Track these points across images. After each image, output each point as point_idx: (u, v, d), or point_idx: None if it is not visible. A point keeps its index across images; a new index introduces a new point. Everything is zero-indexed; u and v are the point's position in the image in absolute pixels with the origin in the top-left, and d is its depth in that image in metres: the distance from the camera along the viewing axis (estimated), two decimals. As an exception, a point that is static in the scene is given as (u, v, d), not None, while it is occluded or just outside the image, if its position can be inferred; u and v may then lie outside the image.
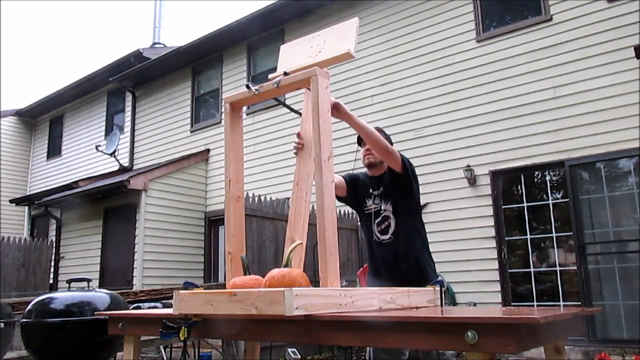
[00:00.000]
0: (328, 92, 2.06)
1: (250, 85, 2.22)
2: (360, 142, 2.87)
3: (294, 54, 2.41)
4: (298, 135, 2.42)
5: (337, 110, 2.38)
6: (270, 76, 2.43)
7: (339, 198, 2.74)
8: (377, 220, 2.80)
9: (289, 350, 5.74)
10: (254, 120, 9.03)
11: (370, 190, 2.85)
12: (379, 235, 2.79)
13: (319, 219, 1.91)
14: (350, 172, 3.02)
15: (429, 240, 2.87)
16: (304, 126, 2.43)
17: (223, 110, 2.38)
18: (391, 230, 2.76)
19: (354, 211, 3.42)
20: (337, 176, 2.79)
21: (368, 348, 2.98)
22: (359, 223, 3.07)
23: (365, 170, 2.96)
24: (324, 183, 1.95)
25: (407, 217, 2.77)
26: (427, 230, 2.90)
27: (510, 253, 6.47)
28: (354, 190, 2.87)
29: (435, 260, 2.86)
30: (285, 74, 2.17)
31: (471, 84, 6.94)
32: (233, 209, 2.26)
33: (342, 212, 6.90)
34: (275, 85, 2.14)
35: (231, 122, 2.32)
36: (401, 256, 2.71)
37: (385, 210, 2.78)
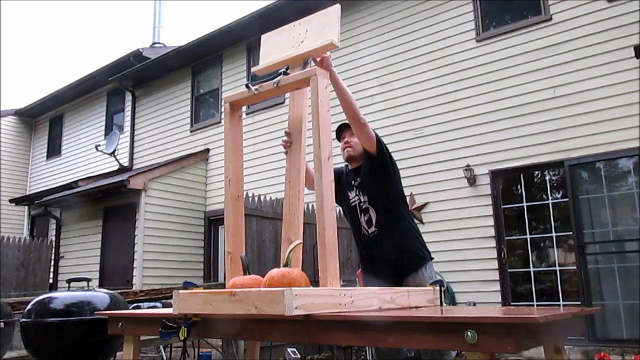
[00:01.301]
0: (328, 92, 2.06)
1: (249, 85, 2.21)
2: (339, 136, 2.83)
3: (276, 44, 2.36)
4: (286, 133, 2.38)
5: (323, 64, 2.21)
6: (253, 69, 2.40)
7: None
8: (361, 214, 2.74)
9: (289, 350, 5.74)
10: (253, 120, 9.03)
11: (352, 182, 2.80)
12: (366, 227, 2.73)
13: (319, 219, 1.91)
14: (335, 166, 2.99)
15: (426, 240, 2.83)
16: (290, 121, 2.41)
17: (223, 110, 2.38)
18: (374, 221, 2.69)
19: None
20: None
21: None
22: (345, 218, 2.97)
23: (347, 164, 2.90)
24: (324, 183, 1.95)
25: (387, 204, 2.69)
26: (427, 230, 2.87)
27: (510, 253, 6.47)
28: (339, 184, 2.75)
29: (434, 260, 2.83)
30: (285, 73, 2.17)
31: (471, 84, 6.94)
32: (233, 209, 2.26)
33: (341, 212, 6.89)
34: (275, 85, 2.14)
35: (231, 122, 2.31)
36: (389, 248, 2.65)
37: (365, 202, 2.72)
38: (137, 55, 11.19)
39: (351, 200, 2.80)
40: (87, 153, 12.19)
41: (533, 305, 6.13)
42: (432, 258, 2.77)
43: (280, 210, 6.81)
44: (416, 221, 3.09)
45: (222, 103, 2.59)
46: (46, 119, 14.04)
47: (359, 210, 2.76)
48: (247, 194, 5.80)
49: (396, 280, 2.64)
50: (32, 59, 46.49)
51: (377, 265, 2.74)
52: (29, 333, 2.64)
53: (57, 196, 9.98)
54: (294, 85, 2.15)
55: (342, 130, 2.81)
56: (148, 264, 8.51)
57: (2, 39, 39.09)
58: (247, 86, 2.21)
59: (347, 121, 2.66)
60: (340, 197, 2.80)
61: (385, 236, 2.68)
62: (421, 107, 7.31)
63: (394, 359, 2.70)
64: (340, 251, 1.97)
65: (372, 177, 2.70)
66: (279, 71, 2.19)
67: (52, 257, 9.60)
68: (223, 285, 3.00)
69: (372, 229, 2.71)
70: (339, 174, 2.83)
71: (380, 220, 2.69)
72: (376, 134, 2.65)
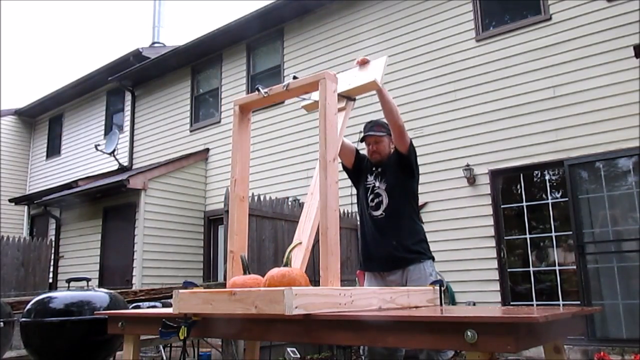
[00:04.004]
0: (335, 95, 2.11)
1: (260, 88, 2.27)
2: (364, 139, 3.00)
3: None
4: None
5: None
6: (302, 104, 2.68)
7: (342, 165, 2.89)
8: (371, 196, 2.92)
9: (289, 349, 5.74)
10: (253, 119, 8.99)
11: (373, 168, 2.99)
12: (371, 210, 2.90)
13: (322, 218, 1.92)
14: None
15: (428, 239, 2.89)
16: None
17: (232, 112, 2.45)
18: (383, 206, 2.86)
19: (354, 210, 3.47)
20: (350, 143, 2.97)
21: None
22: (356, 198, 3.17)
23: None
24: (328, 183, 1.96)
25: (402, 197, 2.86)
26: (426, 230, 2.94)
27: (510, 252, 6.47)
28: (359, 164, 3.02)
29: (434, 260, 2.86)
30: (295, 77, 2.21)
31: (471, 84, 6.93)
32: (237, 209, 2.28)
33: (341, 212, 6.90)
34: (285, 88, 2.18)
35: (239, 124, 2.38)
36: (392, 233, 2.79)
37: (379, 187, 2.90)
38: (137, 54, 11.18)
39: (367, 182, 2.98)
40: (86, 153, 12.18)
41: (533, 305, 6.13)
42: (434, 259, 2.82)
43: (280, 210, 6.82)
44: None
45: (224, 105, 2.66)
46: (46, 119, 14.03)
47: (369, 193, 2.94)
48: (246, 193, 5.79)
49: (394, 265, 2.77)
50: (32, 59, 46.48)
51: (372, 249, 2.88)
52: (28, 333, 2.64)
53: (56, 196, 9.98)
54: (303, 88, 2.20)
55: (367, 137, 2.99)
56: (148, 263, 8.50)
57: (2, 39, 39.06)
58: (257, 89, 2.27)
59: (370, 130, 2.94)
60: (357, 176, 3.04)
61: (391, 223, 2.81)
62: (421, 107, 7.30)
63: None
64: (340, 251, 1.98)
65: (396, 168, 2.88)
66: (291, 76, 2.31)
67: (52, 257, 9.60)
68: (223, 285, 3.00)
69: (379, 212, 2.86)
70: (361, 158, 3.06)
71: (389, 208, 2.83)
72: (410, 140, 2.89)
